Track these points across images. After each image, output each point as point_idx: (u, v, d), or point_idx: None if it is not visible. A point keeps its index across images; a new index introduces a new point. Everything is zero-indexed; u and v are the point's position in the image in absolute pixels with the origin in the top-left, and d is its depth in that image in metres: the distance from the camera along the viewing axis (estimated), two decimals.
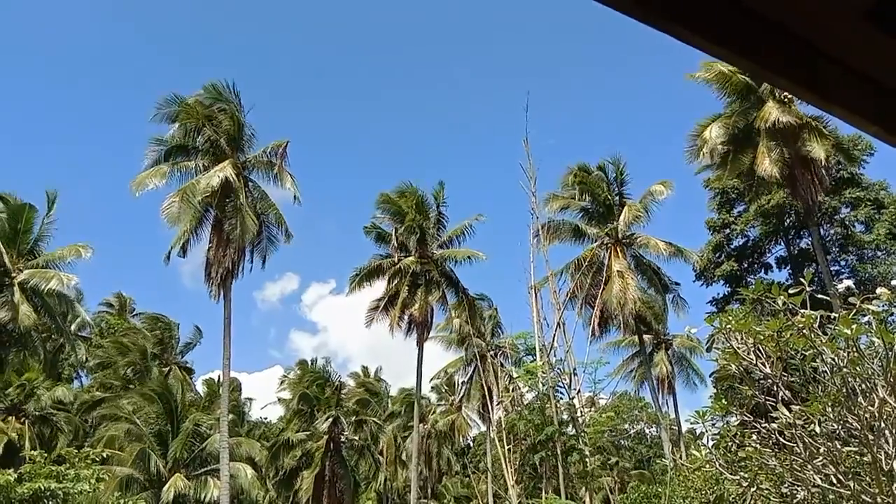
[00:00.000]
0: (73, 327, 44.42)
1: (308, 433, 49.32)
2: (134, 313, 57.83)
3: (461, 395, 52.22)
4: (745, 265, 37.07)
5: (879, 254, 34.00)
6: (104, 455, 25.41)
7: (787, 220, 36.24)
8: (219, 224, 33.06)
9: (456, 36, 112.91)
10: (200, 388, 53.86)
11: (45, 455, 21.99)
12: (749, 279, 35.60)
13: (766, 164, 28.45)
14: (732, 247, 37.49)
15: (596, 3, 1.36)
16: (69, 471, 20.80)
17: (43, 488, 19.82)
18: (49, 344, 42.73)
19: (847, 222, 34.63)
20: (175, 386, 40.23)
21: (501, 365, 41.98)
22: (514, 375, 17.98)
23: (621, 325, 37.02)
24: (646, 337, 42.44)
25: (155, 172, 32.77)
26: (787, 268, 36.58)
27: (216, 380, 47.61)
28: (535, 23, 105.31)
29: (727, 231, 37.29)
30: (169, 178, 33.04)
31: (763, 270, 37.85)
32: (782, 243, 37.25)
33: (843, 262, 35.23)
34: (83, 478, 20.60)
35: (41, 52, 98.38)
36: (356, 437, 52.03)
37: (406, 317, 38.89)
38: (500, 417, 21.60)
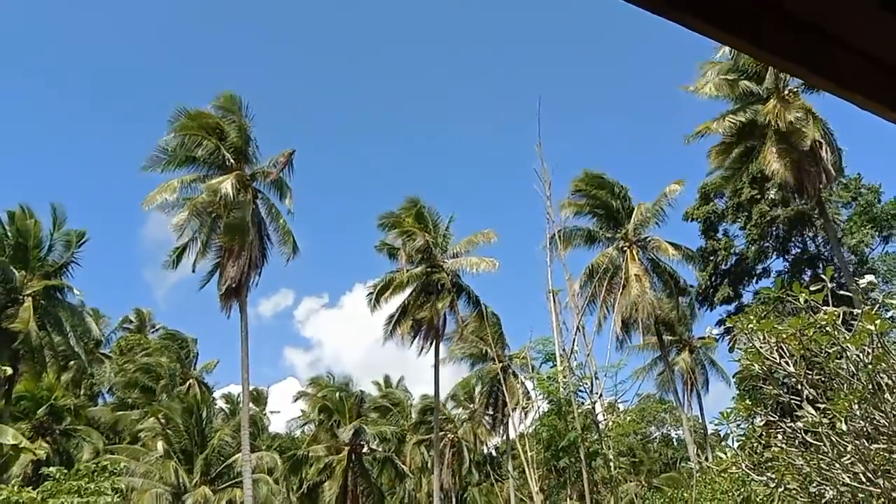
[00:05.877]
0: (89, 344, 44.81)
1: (329, 445, 49.31)
2: (155, 329, 58.25)
3: (480, 404, 51.97)
4: (743, 283, 36.39)
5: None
6: (121, 466, 25.66)
7: (777, 231, 35.55)
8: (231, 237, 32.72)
9: (463, 44, 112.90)
10: (221, 403, 54.24)
11: (65, 471, 22.17)
12: (749, 291, 35.06)
13: (773, 160, 28.15)
14: (727, 267, 36.87)
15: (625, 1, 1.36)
16: (89, 485, 21.00)
17: None
18: (73, 362, 43.04)
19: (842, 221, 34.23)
20: (198, 402, 40.59)
21: (514, 374, 41.63)
22: (533, 382, 17.81)
23: (641, 329, 36.70)
24: (667, 339, 42.01)
25: (165, 188, 32.53)
26: (787, 276, 35.84)
27: (235, 395, 47.89)
28: (546, 26, 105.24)
29: (716, 257, 36.70)
30: (179, 193, 32.84)
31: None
32: (774, 255, 36.56)
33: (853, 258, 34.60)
34: (103, 490, 20.82)
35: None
36: (378, 448, 51.90)
37: (417, 325, 38.75)
38: (521, 425, 21.46)
